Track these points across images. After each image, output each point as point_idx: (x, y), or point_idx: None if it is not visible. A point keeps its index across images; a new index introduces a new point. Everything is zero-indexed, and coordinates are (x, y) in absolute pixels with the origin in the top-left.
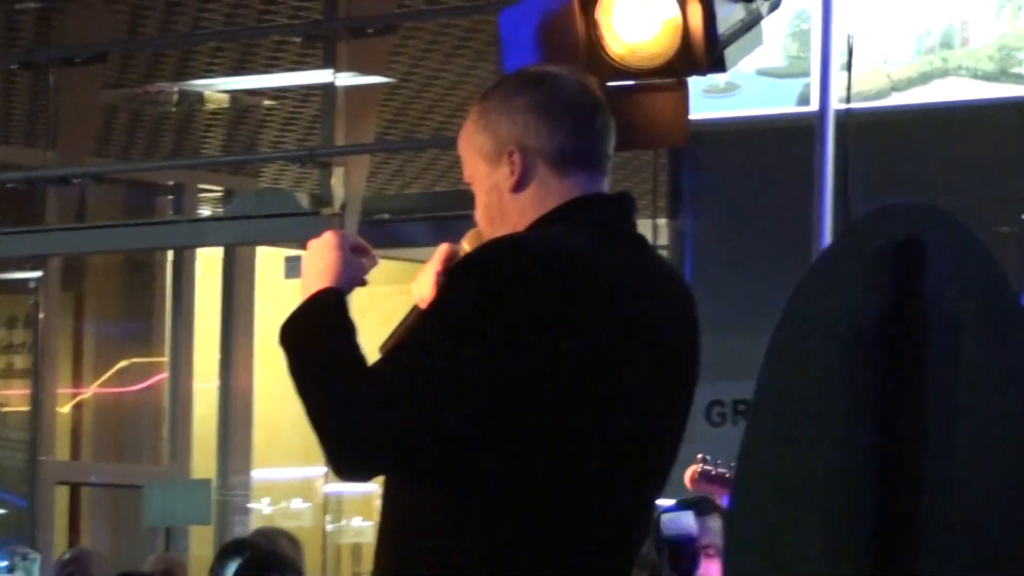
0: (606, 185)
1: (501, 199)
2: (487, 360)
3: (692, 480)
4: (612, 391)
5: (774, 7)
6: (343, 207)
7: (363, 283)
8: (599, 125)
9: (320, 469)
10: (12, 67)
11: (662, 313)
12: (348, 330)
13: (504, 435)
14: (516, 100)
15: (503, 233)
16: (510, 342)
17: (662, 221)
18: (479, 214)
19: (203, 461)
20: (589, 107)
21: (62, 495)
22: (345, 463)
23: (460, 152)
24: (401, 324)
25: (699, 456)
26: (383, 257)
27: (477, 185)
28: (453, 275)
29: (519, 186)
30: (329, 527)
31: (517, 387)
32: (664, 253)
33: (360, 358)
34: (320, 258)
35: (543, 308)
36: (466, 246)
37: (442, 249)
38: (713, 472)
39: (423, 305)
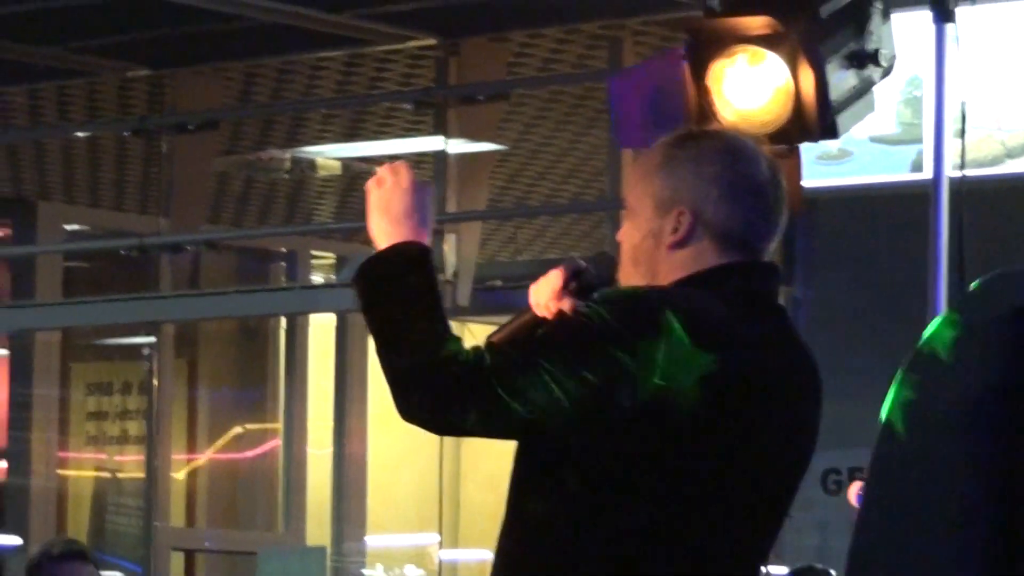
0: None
1: (656, 249)
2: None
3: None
4: (733, 451)
5: (886, 73)
6: (455, 274)
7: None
8: (776, 215)
9: (434, 536)
10: (125, 134)
11: (793, 383)
12: (436, 292)
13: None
14: (707, 167)
15: (643, 277)
16: (632, 384)
17: (777, 288)
18: (625, 247)
19: (317, 528)
20: (772, 197)
21: (177, 561)
22: (420, 421)
23: (630, 177)
24: (511, 322)
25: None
26: (496, 324)
27: (634, 220)
28: (601, 306)
29: (678, 246)
30: None
31: (633, 428)
32: None
33: (447, 326)
34: (397, 199)
35: (679, 367)
36: (590, 268)
37: (567, 262)
38: None
39: (537, 310)
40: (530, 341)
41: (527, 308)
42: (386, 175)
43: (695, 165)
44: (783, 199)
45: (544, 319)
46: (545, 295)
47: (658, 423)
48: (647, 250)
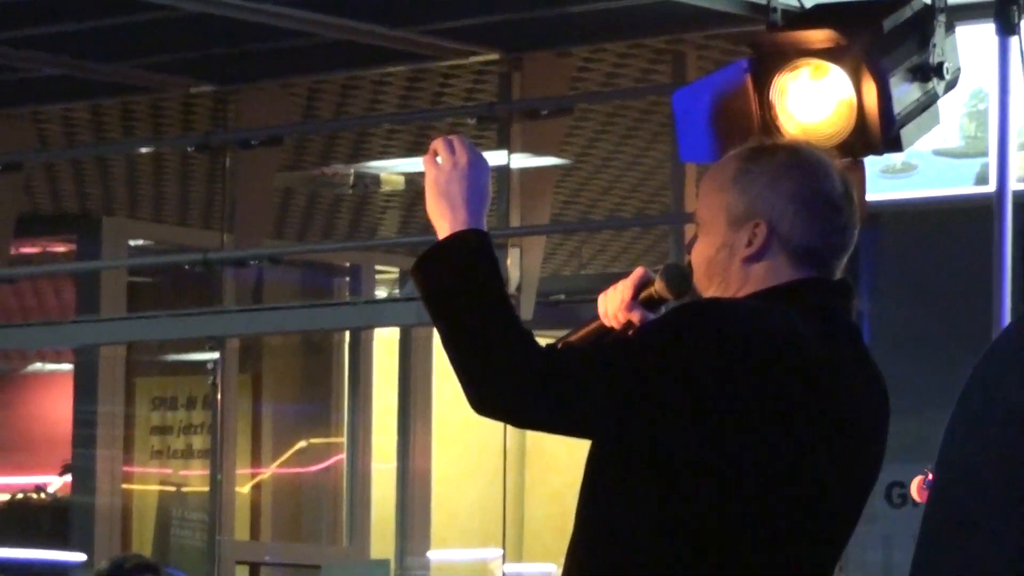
0: (837, 275)
1: (730, 262)
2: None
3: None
4: (806, 467)
5: (950, 87)
6: (519, 288)
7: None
8: (850, 230)
9: (497, 551)
10: (189, 149)
11: (865, 400)
12: (500, 281)
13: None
14: (784, 184)
15: (717, 290)
16: (709, 404)
17: (851, 305)
18: (699, 261)
19: (381, 542)
20: (847, 212)
21: (242, 575)
22: (493, 413)
23: (702, 190)
24: (578, 329)
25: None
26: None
27: (707, 233)
28: (668, 316)
29: (753, 259)
30: None
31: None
32: None
33: (516, 317)
34: (456, 181)
35: (753, 380)
36: (661, 279)
37: (637, 273)
38: None
39: (605, 320)
40: (601, 345)
41: (595, 317)
42: (443, 150)
43: (770, 179)
44: (856, 213)
45: (611, 329)
46: (614, 305)
47: (725, 435)
48: (721, 263)
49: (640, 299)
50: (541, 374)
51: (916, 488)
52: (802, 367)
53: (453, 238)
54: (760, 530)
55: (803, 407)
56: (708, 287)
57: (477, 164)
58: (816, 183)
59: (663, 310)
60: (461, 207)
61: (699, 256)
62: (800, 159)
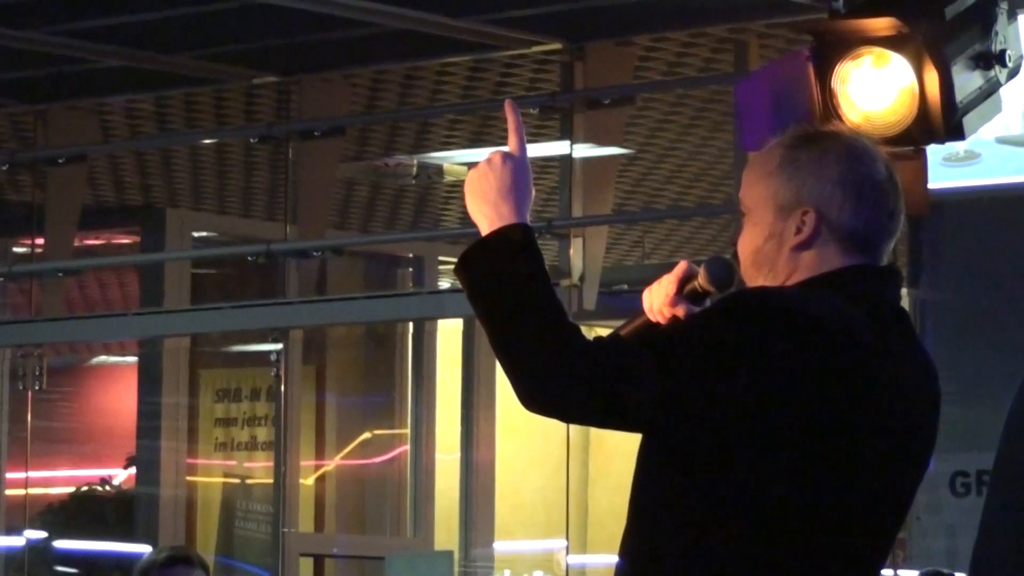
0: (884, 260)
1: (779, 251)
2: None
3: None
4: (855, 456)
5: (1013, 74)
6: (581, 278)
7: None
8: (897, 215)
9: (562, 542)
10: (252, 140)
11: (914, 387)
12: (544, 275)
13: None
14: (831, 170)
15: (765, 280)
16: (757, 391)
17: (903, 291)
18: (746, 251)
19: (445, 533)
20: (893, 196)
21: (306, 567)
22: (544, 409)
23: (747, 178)
24: (625, 325)
25: None
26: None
27: (754, 223)
28: (718, 306)
29: (802, 247)
30: None
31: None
32: None
33: (562, 312)
34: (492, 178)
35: (802, 369)
36: (706, 271)
37: (680, 267)
38: None
39: (650, 316)
40: (649, 338)
41: (640, 312)
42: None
43: (818, 166)
44: (901, 199)
45: (657, 324)
46: (659, 300)
47: (780, 422)
48: (769, 252)
49: (684, 293)
50: (590, 369)
51: None
52: (854, 354)
53: (495, 234)
54: (815, 517)
55: (856, 394)
56: (756, 277)
57: (512, 159)
58: (863, 168)
59: (707, 303)
60: (500, 204)
61: (746, 246)
62: (846, 145)
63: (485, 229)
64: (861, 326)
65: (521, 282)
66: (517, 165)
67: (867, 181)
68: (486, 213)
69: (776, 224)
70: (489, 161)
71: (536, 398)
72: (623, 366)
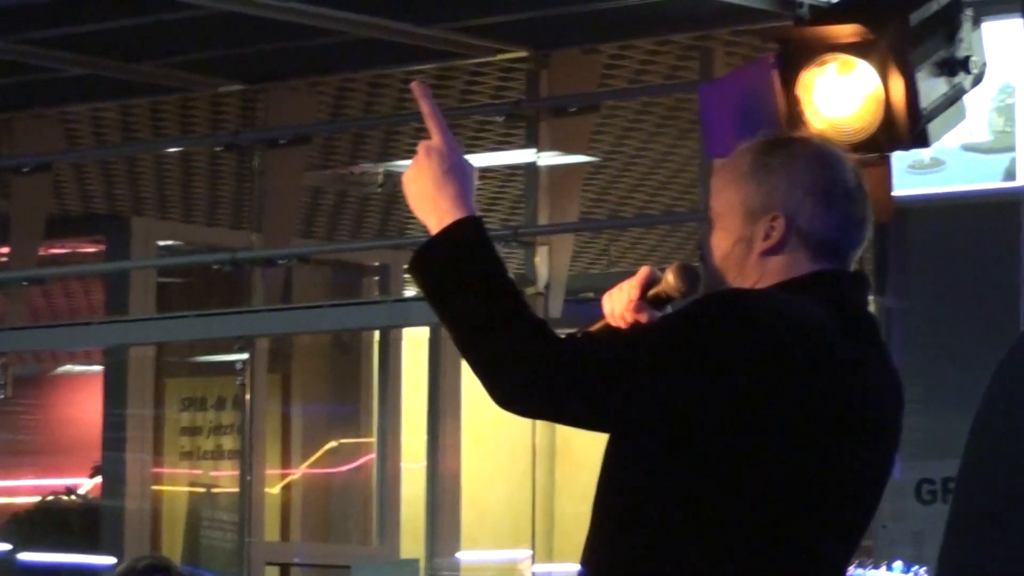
0: (851, 267)
1: (747, 256)
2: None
3: None
4: (826, 455)
5: (977, 81)
6: (547, 286)
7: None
8: (866, 222)
9: (527, 551)
10: (217, 149)
11: (882, 390)
12: (503, 269)
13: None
14: (801, 174)
15: (733, 284)
16: (731, 389)
17: (868, 298)
18: (714, 256)
19: (411, 542)
20: (862, 203)
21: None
22: (517, 407)
23: (716, 183)
24: (582, 328)
25: None
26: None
27: (723, 227)
28: (692, 306)
29: (771, 252)
30: None
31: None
32: None
33: (525, 304)
34: (425, 174)
35: (770, 367)
36: (670, 277)
37: (642, 272)
38: None
39: (611, 320)
40: (628, 337)
41: (600, 316)
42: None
43: (788, 172)
44: (870, 206)
45: (618, 329)
46: (621, 305)
47: (753, 422)
48: (737, 257)
49: (648, 298)
50: (564, 364)
51: None
52: (827, 356)
53: (441, 233)
54: (785, 519)
55: (828, 395)
56: (723, 281)
57: (435, 150)
58: (833, 174)
59: (669, 309)
60: (440, 197)
61: (714, 250)
62: (816, 151)
63: (433, 228)
64: (831, 327)
65: (478, 280)
66: (442, 153)
67: (837, 188)
68: (428, 211)
69: (745, 229)
70: (416, 159)
71: (513, 397)
72: (600, 361)
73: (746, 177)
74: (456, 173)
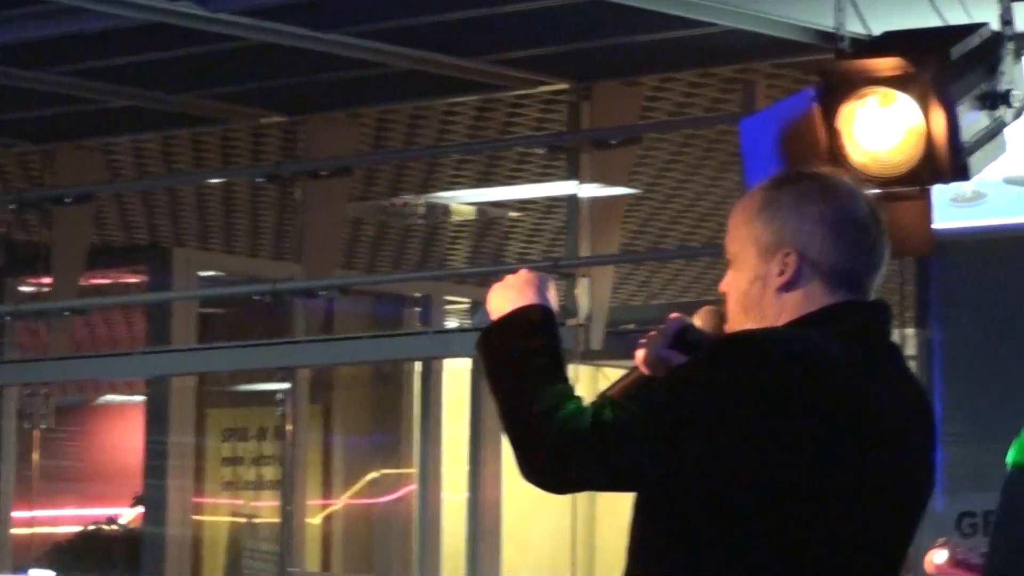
0: (870, 295)
1: (763, 293)
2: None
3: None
4: (849, 495)
5: (1019, 114)
6: (588, 318)
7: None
8: (880, 249)
9: None
10: (258, 180)
11: (908, 422)
12: (556, 353)
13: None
14: (810, 208)
15: (753, 322)
16: (751, 434)
17: (910, 331)
18: (732, 296)
19: (452, 573)
20: (875, 231)
21: None
22: (542, 482)
23: (731, 224)
24: (622, 379)
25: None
26: (629, 368)
27: (739, 267)
28: (712, 352)
29: (786, 287)
30: None
31: (749, 480)
32: (913, 363)
33: (568, 387)
34: (512, 282)
35: (794, 408)
36: (698, 322)
37: (672, 319)
38: (971, 560)
39: (643, 368)
40: (643, 397)
41: (635, 368)
42: None
43: (796, 206)
44: (885, 233)
45: (652, 378)
46: (652, 353)
47: (771, 465)
48: (755, 296)
49: (678, 344)
50: (584, 445)
51: (929, 562)
52: (837, 390)
53: (514, 312)
54: (820, 555)
55: (847, 431)
56: (744, 320)
57: (533, 273)
58: (840, 204)
59: (702, 351)
60: (527, 288)
61: (733, 290)
62: (823, 183)
63: (508, 311)
64: (845, 361)
65: (528, 356)
66: (539, 275)
67: (846, 218)
68: (510, 298)
69: (760, 267)
70: (514, 272)
71: (535, 473)
72: (617, 432)
73: (757, 215)
74: (549, 290)
